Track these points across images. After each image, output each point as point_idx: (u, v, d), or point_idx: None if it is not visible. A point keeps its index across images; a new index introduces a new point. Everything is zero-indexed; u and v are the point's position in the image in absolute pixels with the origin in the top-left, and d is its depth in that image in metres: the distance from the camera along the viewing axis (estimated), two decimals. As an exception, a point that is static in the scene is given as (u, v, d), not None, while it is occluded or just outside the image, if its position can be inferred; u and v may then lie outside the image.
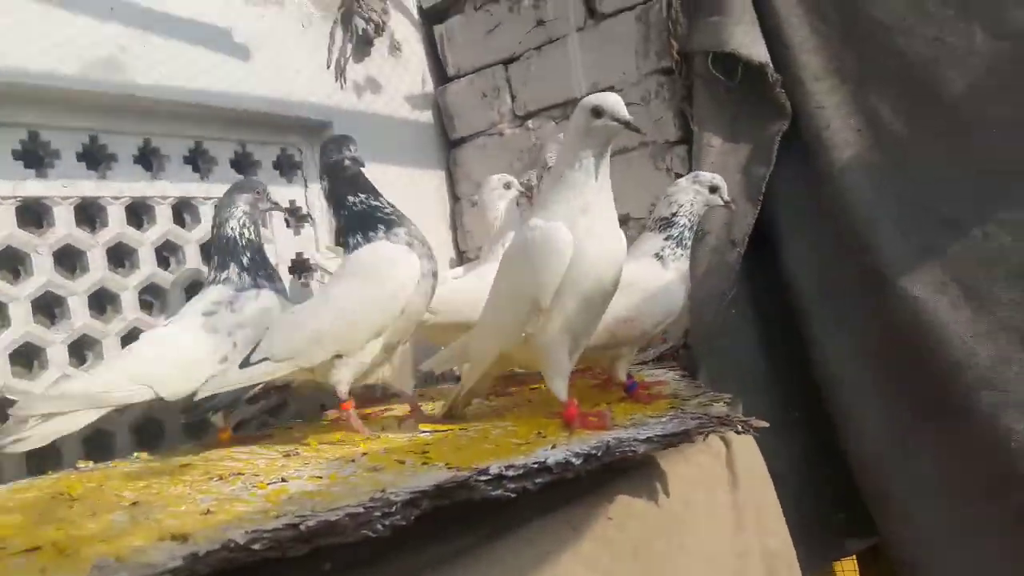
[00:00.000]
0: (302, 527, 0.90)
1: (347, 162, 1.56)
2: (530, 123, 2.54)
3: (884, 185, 1.89)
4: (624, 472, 1.40)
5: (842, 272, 1.93)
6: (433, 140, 2.72)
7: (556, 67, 2.45)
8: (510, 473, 1.11)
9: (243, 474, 1.32)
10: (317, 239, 2.34)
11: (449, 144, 2.73)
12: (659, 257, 1.63)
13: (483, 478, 1.09)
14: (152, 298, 2.01)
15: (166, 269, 2.03)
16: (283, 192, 2.30)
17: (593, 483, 1.31)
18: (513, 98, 2.58)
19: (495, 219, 2.14)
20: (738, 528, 1.61)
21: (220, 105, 2.10)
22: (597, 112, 1.34)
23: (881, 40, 1.90)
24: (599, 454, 1.22)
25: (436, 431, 1.53)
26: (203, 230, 2.06)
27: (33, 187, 1.79)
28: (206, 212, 2.08)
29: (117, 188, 1.92)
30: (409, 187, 2.56)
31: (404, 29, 2.64)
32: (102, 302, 1.92)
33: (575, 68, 2.40)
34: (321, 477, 1.22)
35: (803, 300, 2.00)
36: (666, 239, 1.64)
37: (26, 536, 1.01)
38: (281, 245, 2.26)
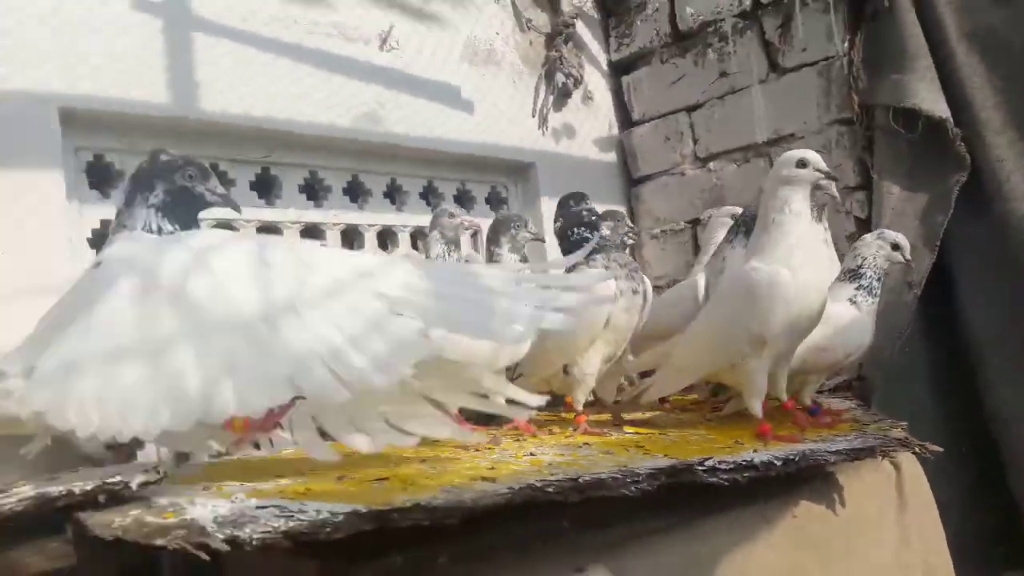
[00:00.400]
0: (580, 480, 1.19)
1: (584, 213, 1.87)
2: (711, 165, 2.79)
3: (1063, 237, 2.02)
4: (807, 481, 1.62)
5: (1019, 320, 2.05)
6: (616, 178, 3.02)
7: (739, 115, 2.69)
8: (723, 466, 1.37)
9: (491, 449, 1.63)
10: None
11: (631, 182, 3.02)
12: (853, 302, 1.83)
13: (702, 467, 1.35)
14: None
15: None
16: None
17: (782, 487, 1.55)
18: (695, 141, 2.84)
19: (712, 244, 2.30)
20: (903, 543, 1.78)
21: (448, 150, 2.49)
22: (802, 163, 1.59)
23: (1063, 98, 2.04)
24: (796, 459, 1.46)
25: (639, 432, 1.80)
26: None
27: (312, 215, 2.23)
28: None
29: (371, 217, 2.34)
30: (595, 220, 2.86)
31: (595, 80, 2.97)
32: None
33: (757, 116, 2.64)
34: (563, 455, 1.51)
35: (979, 343, 2.13)
36: (856, 288, 1.83)
37: (359, 471, 1.34)
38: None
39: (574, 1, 2.87)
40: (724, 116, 2.75)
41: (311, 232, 2.25)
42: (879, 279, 1.86)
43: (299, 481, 1.26)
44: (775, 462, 1.42)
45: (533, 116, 2.73)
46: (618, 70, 3.03)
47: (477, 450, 1.62)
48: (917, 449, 1.66)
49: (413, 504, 1.08)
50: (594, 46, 2.98)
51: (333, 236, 2.27)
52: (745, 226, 1.90)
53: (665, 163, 2.91)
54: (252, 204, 2.12)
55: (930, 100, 2.15)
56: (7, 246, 1.63)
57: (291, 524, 1.02)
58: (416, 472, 1.35)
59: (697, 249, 2.77)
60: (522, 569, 1.21)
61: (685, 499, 1.39)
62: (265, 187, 2.19)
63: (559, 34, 2.76)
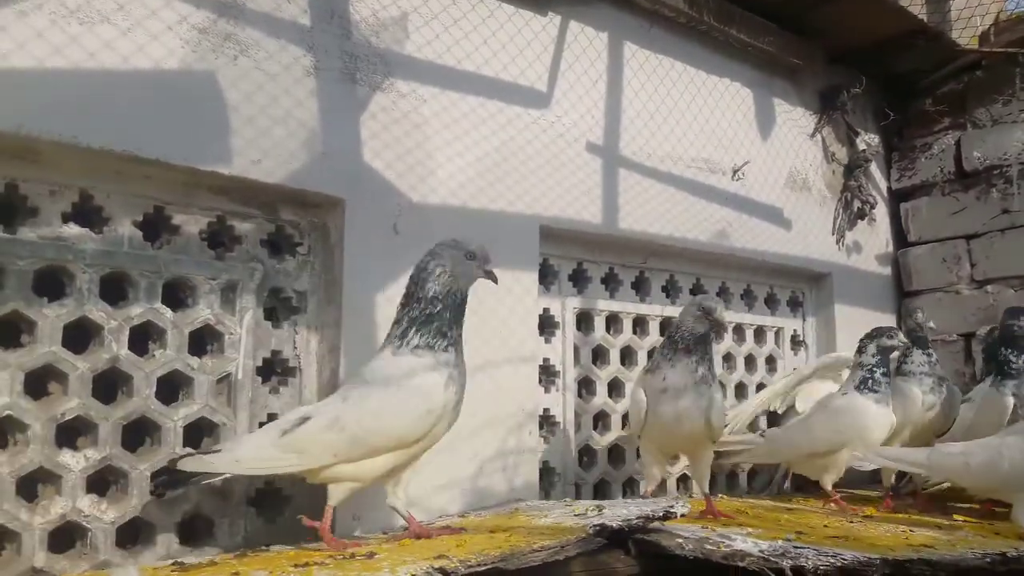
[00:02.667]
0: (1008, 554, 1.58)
1: (1016, 328, 2.29)
2: (988, 287, 3.14)
3: None
4: None
5: None
6: (889, 291, 3.40)
7: (1019, 246, 3.05)
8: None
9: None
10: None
11: (902, 294, 3.39)
12: None
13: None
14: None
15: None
16: (789, 323, 3.11)
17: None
18: (972, 265, 3.20)
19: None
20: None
21: (768, 260, 2.96)
22: None
23: None
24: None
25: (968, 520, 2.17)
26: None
27: (669, 311, 2.73)
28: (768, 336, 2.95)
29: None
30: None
31: (878, 207, 3.39)
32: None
33: (1038, 252, 2.99)
34: (936, 536, 1.89)
35: None
36: None
37: (808, 529, 1.78)
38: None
39: (867, 139, 3.33)
40: (1004, 246, 3.11)
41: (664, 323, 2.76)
42: None
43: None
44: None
45: (832, 233, 3.18)
46: (898, 197, 3.46)
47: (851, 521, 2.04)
48: None
49: (918, 558, 1.51)
50: (877, 175, 3.41)
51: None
52: None
53: (941, 281, 3.28)
54: (631, 300, 2.67)
55: None
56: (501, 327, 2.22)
57: (840, 562, 1.45)
58: (858, 535, 1.78)
59: (968, 358, 3.15)
60: None
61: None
62: (641, 286, 2.73)
63: (858, 167, 3.22)
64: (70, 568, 1.65)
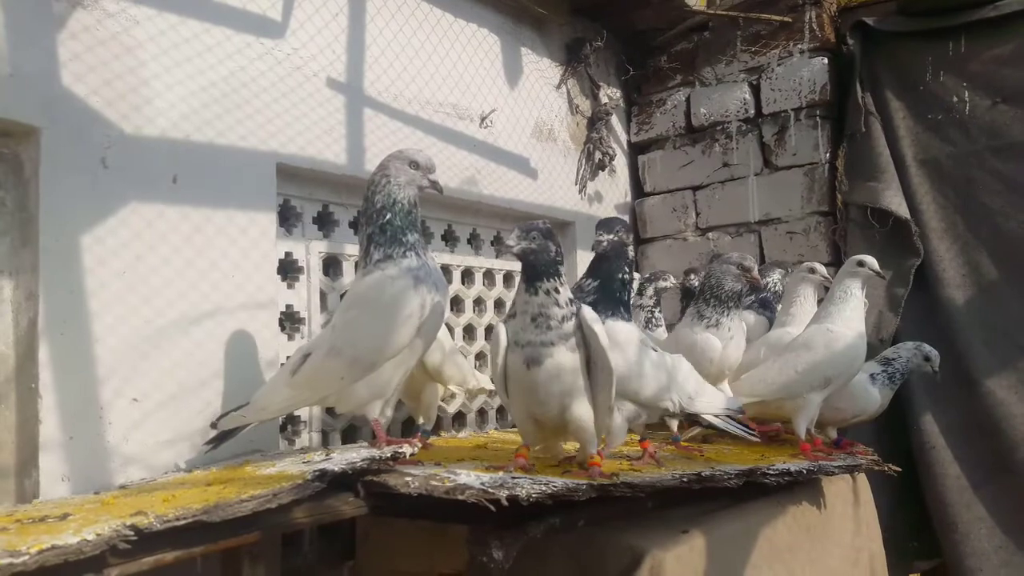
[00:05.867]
0: (702, 474, 1.78)
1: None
2: (710, 235, 3.48)
3: (979, 315, 2.80)
4: (805, 484, 2.25)
5: (944, 369, 2.81)
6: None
7: (736, 197, 3.40)
8: (771, 471, 1.98)
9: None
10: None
11: (639, 241, 3.67)
12: (872, 380, 2.45)
13: (763, 472, 1.95)
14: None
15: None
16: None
17: (793, 488, 2.18)
18: (697, 214, 3.52)
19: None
20: (857, 532, 2.47)
21: (514, 208, 3.06)
22: (860, 263, 2.31)
23: (984, 216, 2.83)
24: (815, 469, 2.10)
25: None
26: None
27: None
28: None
29: (461, 259, 2.87)
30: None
31: (618, 158, 3.61)
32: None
33: (752, 200, 3.35)
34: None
35: (912, 384, 2.88)
36: (882, 372, 2.46)
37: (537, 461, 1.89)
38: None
39: (608, 93, 3.52)
40: (723, 197, 3.45)
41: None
42: (901, 376, 2.49)
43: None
44: (803, 470, 2.06)
45: (575, 184, 3.35)
46: (636, 150, 3.70)
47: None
48: (886, 468, 2.36)
49: (621, 482, 1.64)
50: (619, 128, 3.63)
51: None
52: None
53: (670, 229, 3.59)
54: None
55: (896, 203, 2.92)
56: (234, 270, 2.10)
57: (551, 489, 1.54)
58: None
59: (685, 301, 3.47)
60: (643, 530, 1.76)
61: (733, 492, 2.00)
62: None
63: (600, 119, 3.40)
64: None
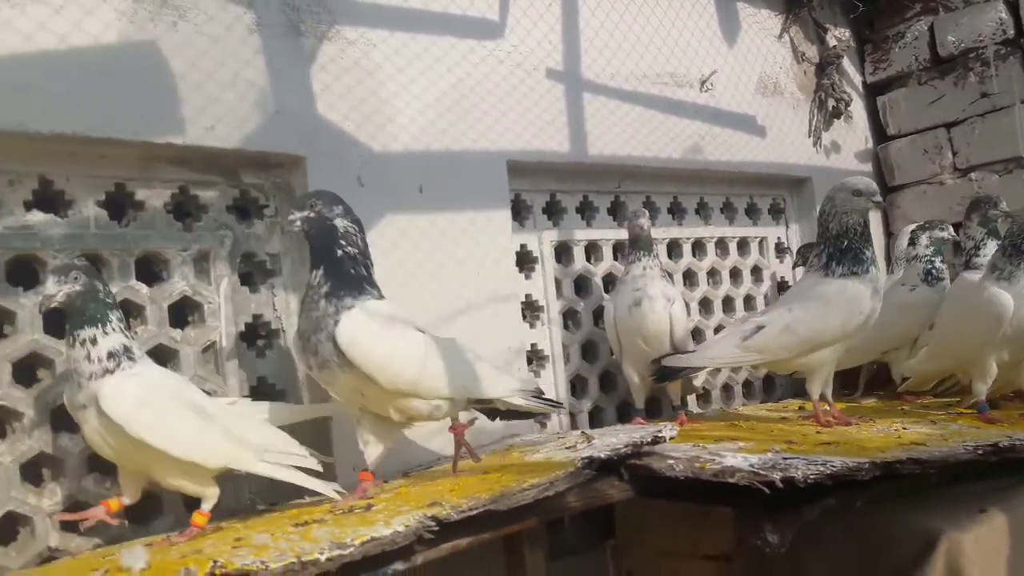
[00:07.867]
0: (999, 444, 1.61)
1: None
2: (972, 175, 3.11)
3: None
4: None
5: None
6: (872, 187, 3.38)
7: (1000, 130, 3.01)
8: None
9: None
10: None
11: (887, 189, 3.37)
12: None
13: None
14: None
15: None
16: (772, 232, 3.11)
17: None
18: (954, 154, 3.17)
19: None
20: None
21: (744, 171, 2.93)
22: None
23: None
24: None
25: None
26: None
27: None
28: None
29: (690, 232, 2.82)
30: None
31: (854, 103, 3.33)
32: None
33: (1020, 131, 2.95)
34: (929, 432, 1.92)
35: None
36: None
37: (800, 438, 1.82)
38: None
39: (837, 34, 3.25)
40: (984, 131, 3.07)
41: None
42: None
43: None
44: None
45: (808, 136, 3.14)
46: (873, 91, 3.39)
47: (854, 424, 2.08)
48: None
49: (907, 458, 1.53)
50: (851, 71, 3.35)
51: (662, 249, 2.75)
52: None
53: (924, 173, 3.25)
54: (609, 226, 2.67)
55: None
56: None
57: (830, 469, 1.47)
58: (849, 438, 1.81)
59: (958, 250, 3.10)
60: (933, 510, 1.61)
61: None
62: (618, 212, 2.71)
63: (829, 64, 3.15)
64: (84, 545, 1.70)
